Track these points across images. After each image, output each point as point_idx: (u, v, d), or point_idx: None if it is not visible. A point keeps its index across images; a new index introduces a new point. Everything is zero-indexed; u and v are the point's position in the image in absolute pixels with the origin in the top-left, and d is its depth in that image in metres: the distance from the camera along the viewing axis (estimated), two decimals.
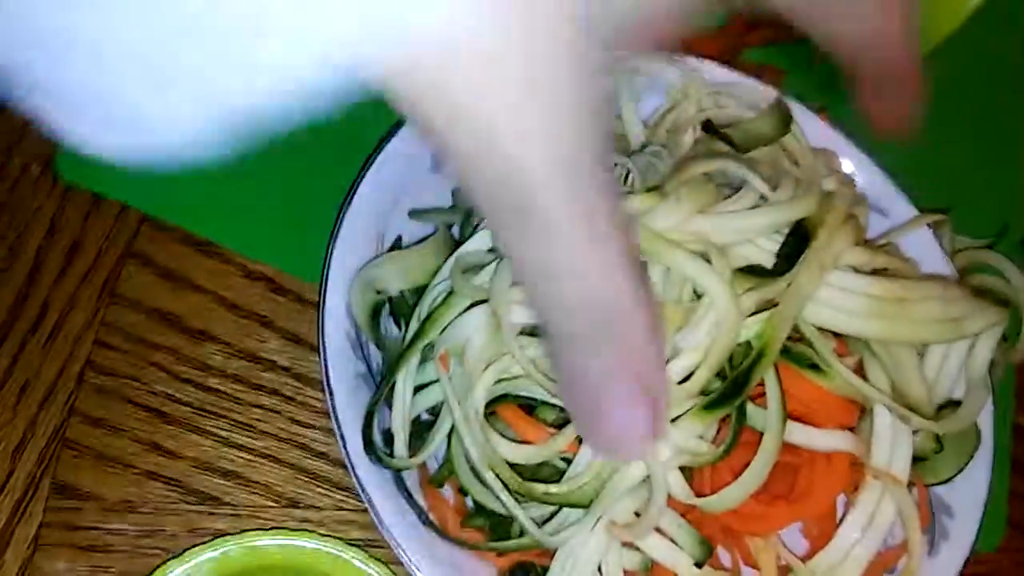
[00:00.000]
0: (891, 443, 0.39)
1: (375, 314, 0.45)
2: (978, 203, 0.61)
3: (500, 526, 0.42)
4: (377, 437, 0.41)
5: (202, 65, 0.21)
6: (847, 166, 0.51)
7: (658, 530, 0.38)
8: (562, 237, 0.25)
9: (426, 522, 0.42)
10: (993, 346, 0.42)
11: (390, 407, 0.44)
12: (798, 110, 0.51)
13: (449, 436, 0.41)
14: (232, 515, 0.46)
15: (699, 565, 0.37)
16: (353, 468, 0.40)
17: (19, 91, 0.22)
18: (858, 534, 0.39)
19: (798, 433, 0.39)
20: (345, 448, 0.41)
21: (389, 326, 0.47)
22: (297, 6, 0.20)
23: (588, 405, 0.29)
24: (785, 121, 0.48)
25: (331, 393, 0.41)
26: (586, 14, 0.23)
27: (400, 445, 0.42)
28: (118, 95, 0.22)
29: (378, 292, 0.44)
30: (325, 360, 0.42)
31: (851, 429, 0.41)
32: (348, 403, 0.42)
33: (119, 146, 0.23)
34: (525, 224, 0.25)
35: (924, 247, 0.50)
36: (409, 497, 0.42)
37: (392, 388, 0.42)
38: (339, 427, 0.41)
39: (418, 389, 0.42)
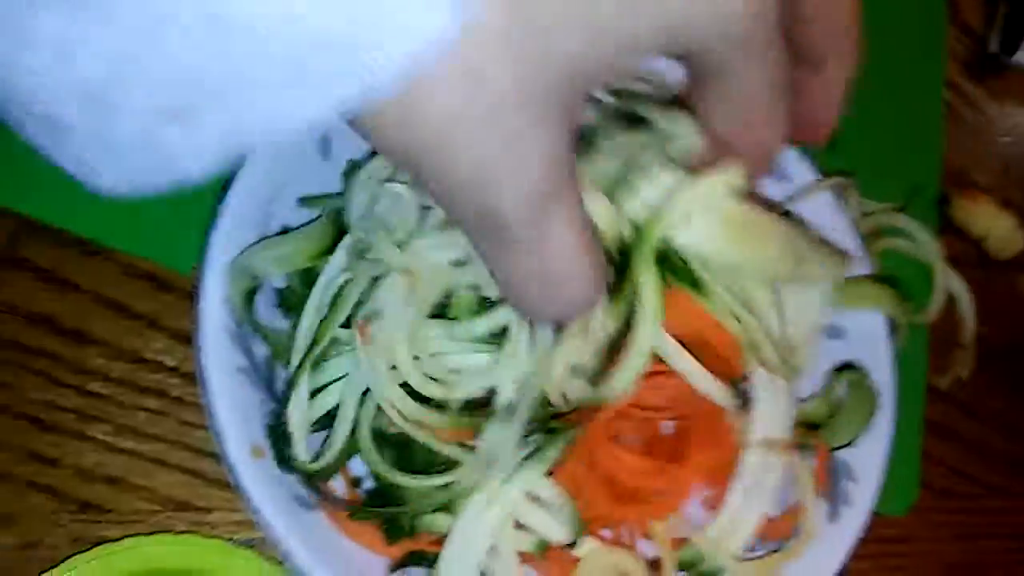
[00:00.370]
0: (771, 405, 0.38)
1: (249, 300, 0.43)
2: (890, 166, 0.61)
3: (392, 521, 0.41)
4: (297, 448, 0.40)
5: (238, 109, 0.23)
6: None
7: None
8: (523, 248, 0.28)
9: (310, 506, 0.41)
10: (823, 298, 0.41)
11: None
12: None
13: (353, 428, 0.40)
14: (118, 522, 0.44)
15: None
16: (231, 466, 0.39)
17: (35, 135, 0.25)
18: (742, 500, 0.38)
19: (679, 360, 0.37)
20: (223, 446, 0.39)
21: (276, 319, 0.45)
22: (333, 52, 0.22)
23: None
24: None
25: (207, 389, 0.40)
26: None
27: (300, 447, 0.40)
28: (154, 141, 0.24)
29: (254, 278, 0.43)
30: (200, 356, 0.40)
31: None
32: (227, 399, 0.40)
33: (146, 185, 0.26)
34: (491, 236, 0.28)
35: (827, 212, 0.49)
36: (298, 495, 0.41)
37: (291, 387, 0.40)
38: (217, 423, 0.40)
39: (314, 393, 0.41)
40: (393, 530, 0.41)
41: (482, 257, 0.30)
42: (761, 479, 0.38)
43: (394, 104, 0.24)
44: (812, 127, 0.37)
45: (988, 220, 0.59)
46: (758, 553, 0.42)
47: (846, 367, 0.46)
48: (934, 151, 0.62)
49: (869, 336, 0.47)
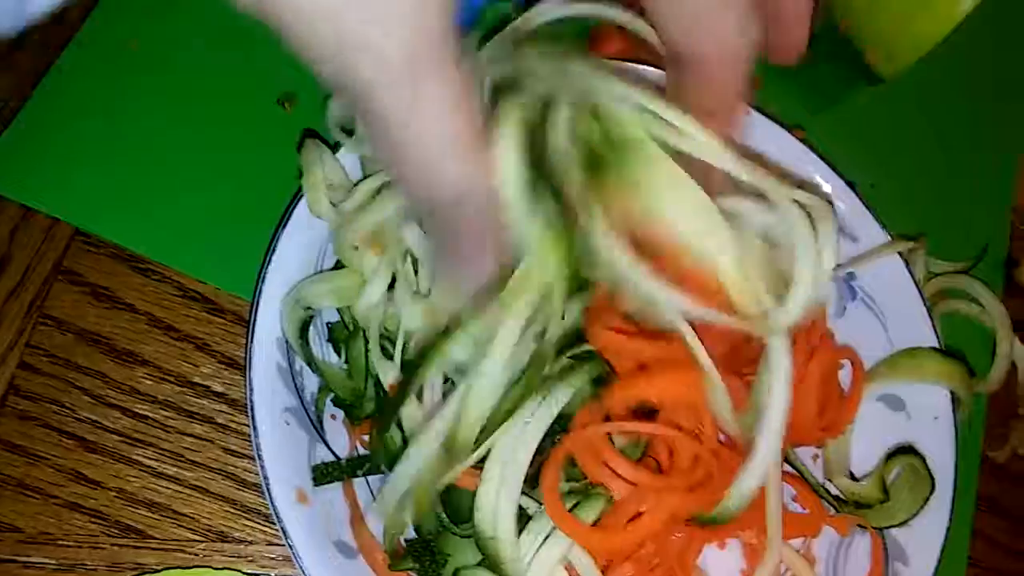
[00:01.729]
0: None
1: (303, 331, 0.43)
2: (959, 223, 0.59)
3: (430, 567, 0.40)
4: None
5: None
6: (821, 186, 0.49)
7: None
8: (394, 135, 0.27)
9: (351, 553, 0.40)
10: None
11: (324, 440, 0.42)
12: (774, 128, 0.48)
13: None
14: (157, 549, 0.44)
15: None
16: (276, 511, 0.39)
17: None
18: None
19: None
20: (269, 492, 0.39)
21: (328, 353, 0.45)
22: None
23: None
24: None
25: (255, 430, 0.39)
26: None
27: None
28: None
29: (308, 309, 0.42)
30: (250, 395, 0.40)
31: None
32: (274, 441, 0.40)
33: None
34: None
35: (894, 275, 0.48)
36: (339, 542, 0.41)
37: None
38: (263, 468, 0.39)
39: None
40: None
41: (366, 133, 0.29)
42: None
43: None
44: (785, 48, 0.37)
45: None
46: None
47: (902, 451, 0.44)
48: (1004, 211, 0.60)
49: (931, 411, 0.46)
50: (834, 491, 0.46)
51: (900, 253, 0.48)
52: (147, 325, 0.47)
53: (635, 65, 0.47)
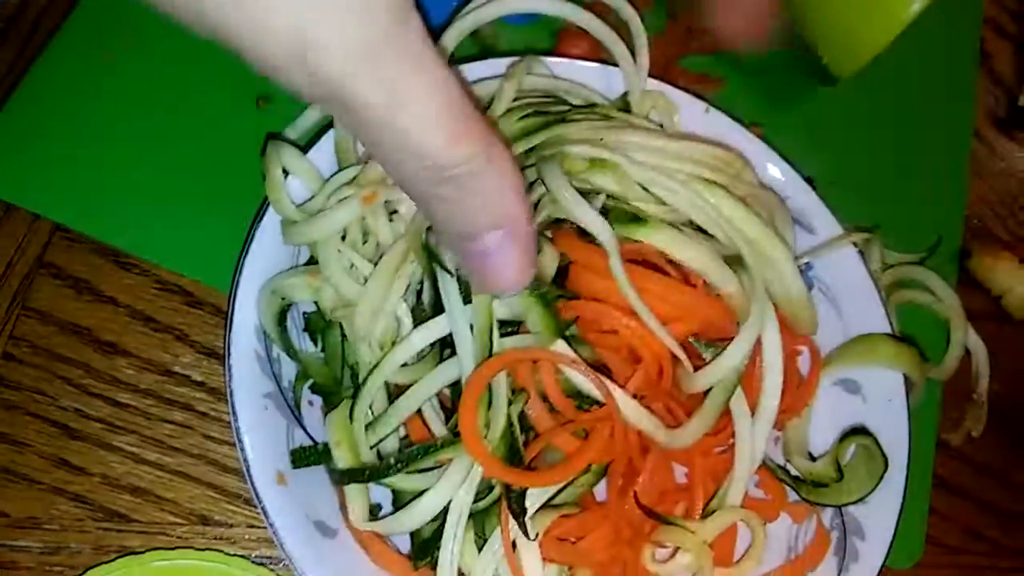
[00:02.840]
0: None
1: (281, 320, 0.44)
2: (914, 215, 0.61)
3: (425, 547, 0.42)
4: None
5: None
6: (777, 183, 0.51)
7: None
8: (380, 121, 0.27)
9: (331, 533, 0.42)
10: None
11: (301, 425, 0.44)
12: (727, 122, 0.50)
13: None
14: (141, 532, 0.45)
15: None
16: (256, 492, 0.40)
17: None
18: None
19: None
20: (249, 472, 0.40)
21: (305, 341, 0.46)
22: None
23: (471, 260, 0.34)
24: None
25: (234, 414, 0.41)
26: None
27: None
28: None
29: (284, 299, 0.44)
30: (229, 380, 0.41)
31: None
32: (253, 425, 0.41)
33: None
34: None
35: (849, 265, 0.50)
36: (319, 522, 0.42)
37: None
38: (244, 449, 0.40)
39: None
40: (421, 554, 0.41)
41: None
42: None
43: None
44: (755, 24, 0.42)
45: (1009, 277, 0.60)
46: None
47: (855, 431, 0.46)
48: (959, 203, 0.62)
49: (885, 393, 0.48)
50: (793, 472, 0.48)
51: (855, 243, 0.50)
52: (128, 317, 0.48)
53: (600, 64, 0.49)
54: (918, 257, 0.58)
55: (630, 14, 0.49)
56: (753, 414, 0.42)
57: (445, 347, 0.40)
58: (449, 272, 0.38)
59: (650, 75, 0.49)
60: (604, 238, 0.38)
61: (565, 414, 0.39)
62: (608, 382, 0.38)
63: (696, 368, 0.40)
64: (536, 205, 0.41)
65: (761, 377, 0.42)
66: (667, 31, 0.60)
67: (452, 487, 0.39)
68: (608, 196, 0.42)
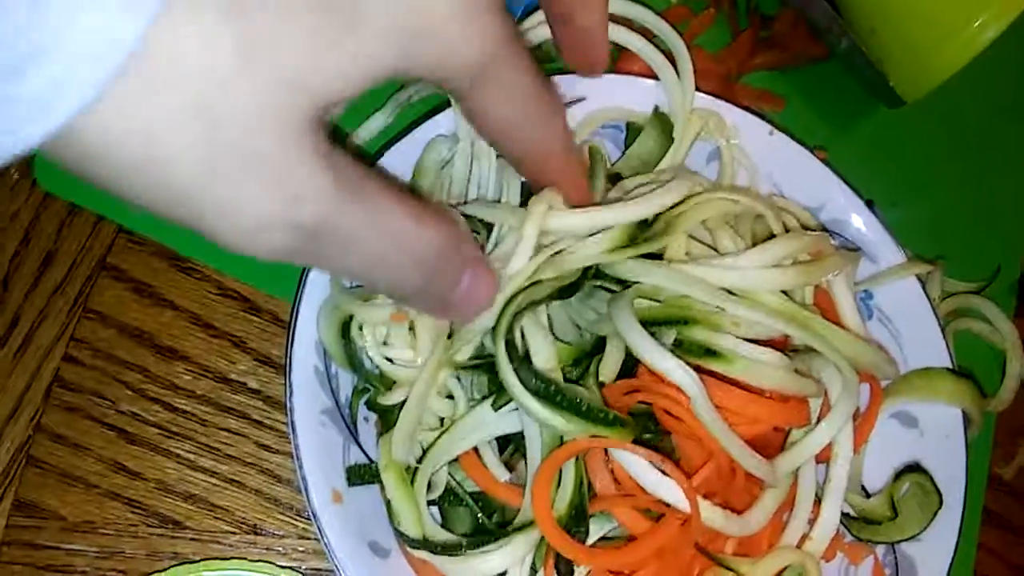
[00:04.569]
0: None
1: (344, 332, 0.44)
2: (974, 241, 0.60)
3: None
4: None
5: None
6: (839, 208, 0.50)
7: None
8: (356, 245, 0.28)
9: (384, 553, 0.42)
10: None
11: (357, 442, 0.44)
12: (792, 147, 0.50)
13: None
14: (193, 539, 0.46)
15: None
16: (313, 509, 0.40)
17: None
18: None
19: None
20: (307, 490, 0.40)
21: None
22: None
23: (434, 308, 0.36)
24: (668, 132, 0.48)
25: (294, 433, 0.41)
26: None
27: None
28: None
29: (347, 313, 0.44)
30: (291, 399, 0.41)
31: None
32: (312, 443, 0.41)
33: None
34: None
35: (910, 296, 0.49)
36: (373, 543, 0.42)
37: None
38: (301, 466, 0.41)
39: None
40: None
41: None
42: None
43: (92, 131, 0.22)
44: (589, 64, 0.43)
45: None
46: None
47: (910, 469, 0.46)
48: (1018, 234, 0.61)
49: (943, 429, 0.47)
50: (845, 508, 0.47)
51: (917, 275, 0.49)
52: (187, 322, 0.48)
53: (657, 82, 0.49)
54: (977, 286, 0.57)
55: (671, 36, 0.48)
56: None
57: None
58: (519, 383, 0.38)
59: (711, 92, 0.49)
60: (689, 389, 0.38)
61: (634, 494, 0.39)
62: (684, 485, 0.38)
63: None
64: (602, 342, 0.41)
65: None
66: (731, 46, 0.59)
67: (515, 560, 0.39)
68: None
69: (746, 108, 0.50)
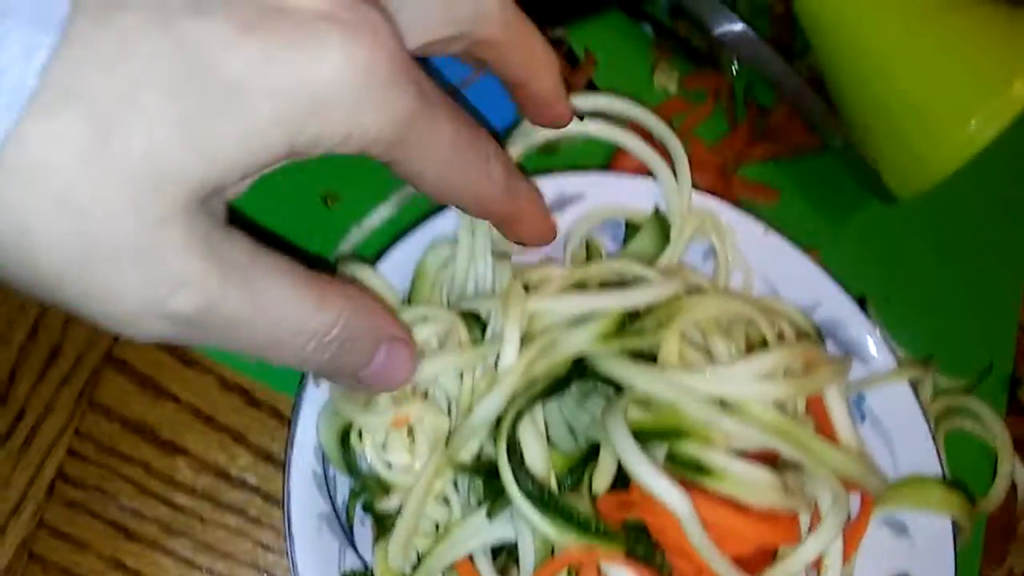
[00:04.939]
0: None
1: (344, 439, 0.45)
2: (965, 337, 0.61)
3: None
4: None
5: None
6: (832, 308, 0.51)
7: None
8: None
9: None
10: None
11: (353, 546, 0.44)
12: (785, 247, 0.51)
13: None
14: None
15: None
16: None
17: None
18: None
19: None
20: None
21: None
22: None
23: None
24: (665, 232, 0.49)
25: (290, 535, 0.42)
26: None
27: None
28: None
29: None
30: (288, 503, 0.42)
31: None
32: (309, 548, 0.42)
33: None
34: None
35: (902, 400, 0.50)
36: None
37: None
38: (297, 573, 0.41)
39: None
40: None
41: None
42: None
43: None
44: (551, 120, 0.43)
45: None
46: None
47: None
48: (1010, 329, 0.62)
49: (932, 538, 0.48)
50: None
51: (909, 378, 0.50)
52: (188, 415, 0.49)
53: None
54: (968, 384, 0.58)
55: (668, 137, 0.49)
56: None
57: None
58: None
59: (708, 184, 0.50)
60: (679, 510, 0.38)
61: None
62: None
63: None
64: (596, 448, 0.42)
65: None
66: (728, 137, 0.60)
67: None
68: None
69: (741, 205, 0.51)
